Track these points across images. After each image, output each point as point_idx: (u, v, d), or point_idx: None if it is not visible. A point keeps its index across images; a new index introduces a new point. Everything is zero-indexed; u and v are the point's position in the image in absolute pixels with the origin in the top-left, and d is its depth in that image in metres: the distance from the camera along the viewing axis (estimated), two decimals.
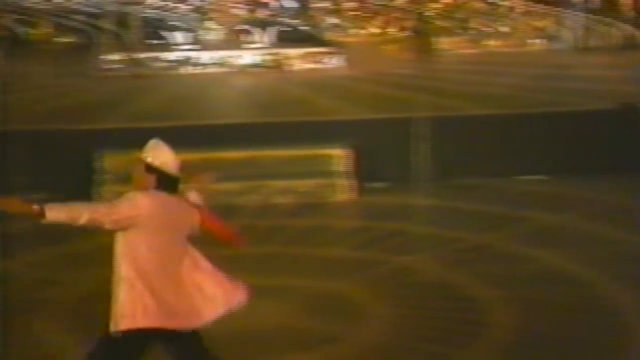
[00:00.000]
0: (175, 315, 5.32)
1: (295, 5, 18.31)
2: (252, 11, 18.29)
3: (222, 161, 11.50)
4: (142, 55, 15.73)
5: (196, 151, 11.36)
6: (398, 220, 10.49)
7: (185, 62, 16.18)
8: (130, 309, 5.23)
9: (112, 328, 5.25)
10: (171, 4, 17.18)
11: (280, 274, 8.80)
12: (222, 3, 17.66)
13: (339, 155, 11.65)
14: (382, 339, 7.42)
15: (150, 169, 5.36)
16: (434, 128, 11.55)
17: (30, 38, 16.26)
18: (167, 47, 16.44)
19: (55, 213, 5.06)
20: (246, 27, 17.65)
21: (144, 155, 5.40)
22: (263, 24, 17.60)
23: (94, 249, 9.60)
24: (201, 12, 17.66)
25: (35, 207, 5.06)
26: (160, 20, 16.73)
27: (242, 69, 16.30)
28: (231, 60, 16.47)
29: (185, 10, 17.47)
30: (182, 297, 5.37)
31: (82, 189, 10.78)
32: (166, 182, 5.37)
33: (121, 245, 5.27)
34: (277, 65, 16.33)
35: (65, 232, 9.83)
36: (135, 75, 15.13)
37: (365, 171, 11.60)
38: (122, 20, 16.04)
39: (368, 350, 7.22)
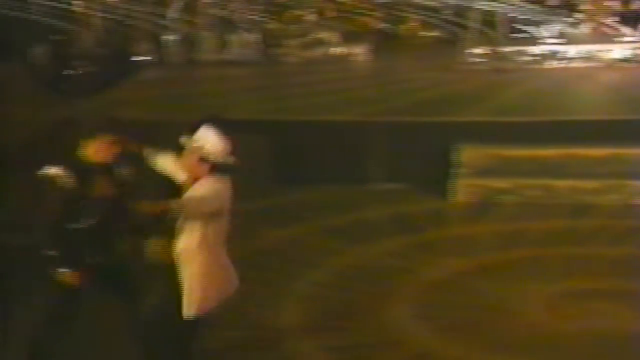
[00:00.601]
0: (229, 285, 5.83)
1: None
2: (626, 3, 17.57)
3: (583, 158, 11.18)
4: (506, 49, 15.66)
5: (556, 147, 11.17)
6: None
7: (551, 56, 15.88)
8: (209, 293, 5.63)
9: (191, 312, 5.58)
10: None
11: (638, 277, 8.40)
12: None
13: None
14: None
15: (203, 159, 5.59)
16: None
17: (398, 33, 16.75)
18: (532, 41, 16.23)
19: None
20: (617, 19, 16.98)
21: (196, 146, 5.62)
22: (637, 17, 16.82)
23: (449, 239, 9.81)
24: (570, 6, 17.23)
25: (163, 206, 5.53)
26: (526, 14, 16.55)
27: (610, 63, 15.71)
28: (599, 54, 15.94)
29: (554, 4, 17.13)
30: (227, 268, 5.86)
31: (438, 181, 10.96)
32: (219, 169, 5.61)
33: (196, 235, 5.58)
34: None
35: (421, 222, 10.25)
36: (498, 69, 15.09)
37: None
38: (486, 16, 16.06)
39: None
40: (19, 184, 6.17)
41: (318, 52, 15.90)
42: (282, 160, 11.28)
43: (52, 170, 5.77)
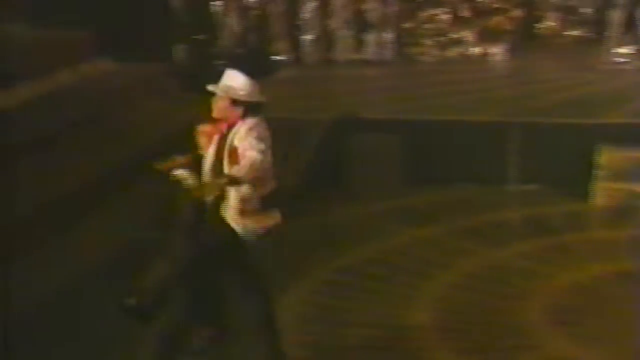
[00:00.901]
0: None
1: None
2: None
3: None
4: None
5: None
6: None
7: None
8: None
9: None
10: None
11: None
12: None
13: None
14: None
15: (237, 102, 5.59)
16: None
17: (537, 32, 16.43)
18: None
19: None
20: None
21: (226, 89, 5.62)
22: None
23: (587, 243, 9.57)
24: None
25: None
26: None
27: None
28: None
29: None
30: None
31: (576, 183, 10.69)
32: (253, 109, 5.63)
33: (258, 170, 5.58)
34: None
35: (558, 224, 10.03)
36: None
37: None
38: (632, 14, 15.59)
39: None
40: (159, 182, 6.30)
41: (454, 51, 15.76)
42: (417, 159, 11.22)
43: (179, 172, 5.87)
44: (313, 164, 10.77)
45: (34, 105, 10.09)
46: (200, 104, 6.11)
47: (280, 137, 10.80)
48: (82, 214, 8.48)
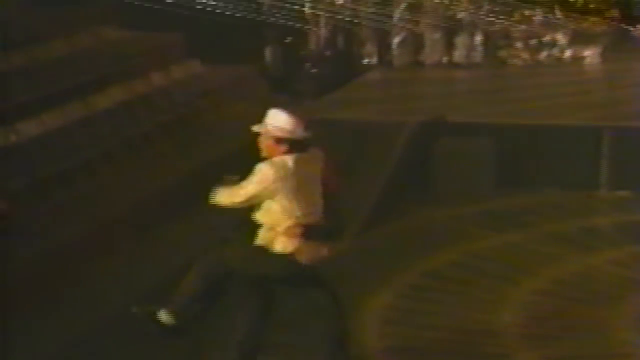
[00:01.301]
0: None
1: None
2: None
3: None
4: None
5: None
6: None
7: None
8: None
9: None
10: None
11: None
12: None
13: None
14: None
15: (280, 140, 5.74)
16: None
17: (634, 34, 16.06)
18: None
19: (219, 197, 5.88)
20: None
21: (269, 129, 5.78)
22: None
23: None
24: None
25: None
26: None
27: None
28: None
29: None
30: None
31: None
32: (296, 146, 5.73)
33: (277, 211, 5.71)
34: None
35: None
36: None
37: None
38: None
39: None
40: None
41: (545, 54, 15.55)
42: (506, 163, 11.08)
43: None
44: (400, 167, 10.73)
45: (127, 105, 10.29)
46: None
47: (369, 139, 10.93)
48: (169, 216, 8.62)
